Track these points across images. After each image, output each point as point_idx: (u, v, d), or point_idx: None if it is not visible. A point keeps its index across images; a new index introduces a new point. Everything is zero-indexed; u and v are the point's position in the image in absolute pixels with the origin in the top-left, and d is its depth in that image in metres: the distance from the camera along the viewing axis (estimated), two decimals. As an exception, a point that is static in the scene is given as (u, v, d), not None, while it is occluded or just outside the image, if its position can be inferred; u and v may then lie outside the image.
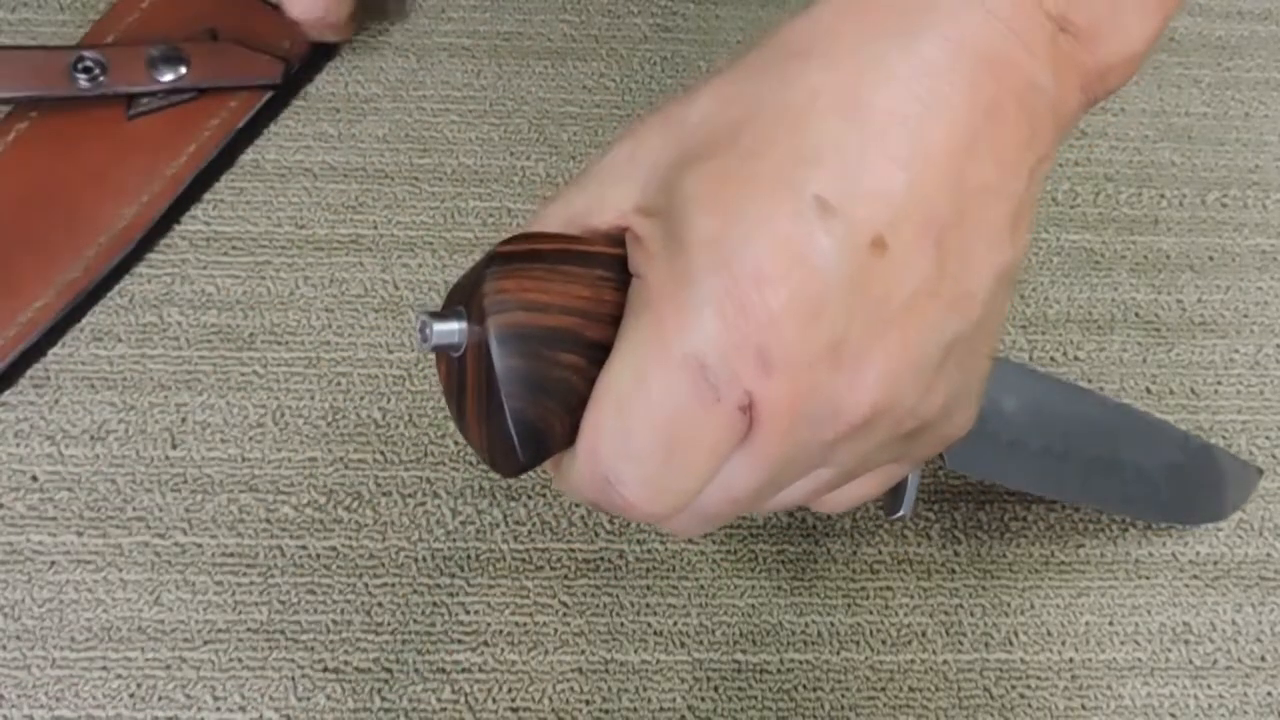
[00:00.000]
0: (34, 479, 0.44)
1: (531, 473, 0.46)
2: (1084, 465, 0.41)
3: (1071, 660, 0.45)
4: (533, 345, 0.25)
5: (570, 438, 0.26)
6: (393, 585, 0.44)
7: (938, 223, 0.25)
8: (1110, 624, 0.46)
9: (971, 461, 0.38)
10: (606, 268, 0.26)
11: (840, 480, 0.29)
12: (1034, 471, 0.40)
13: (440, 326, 0.25)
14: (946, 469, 0.38)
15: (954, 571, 0.46)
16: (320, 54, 0.52)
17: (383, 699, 0.42)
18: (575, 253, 0.26)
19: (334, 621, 0.43)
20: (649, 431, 0.25)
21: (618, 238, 0.27)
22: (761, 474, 0.26)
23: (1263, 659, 0.46)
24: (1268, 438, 0.49)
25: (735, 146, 0.25)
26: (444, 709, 0.42)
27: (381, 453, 0.46)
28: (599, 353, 0.26)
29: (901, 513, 0.35)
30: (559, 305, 0.25)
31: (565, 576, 0.45)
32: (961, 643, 0.45)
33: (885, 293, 0.25)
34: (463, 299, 0.26)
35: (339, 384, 0.47)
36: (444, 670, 0.43)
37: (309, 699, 0.42)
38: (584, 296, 0.26)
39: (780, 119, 0.25)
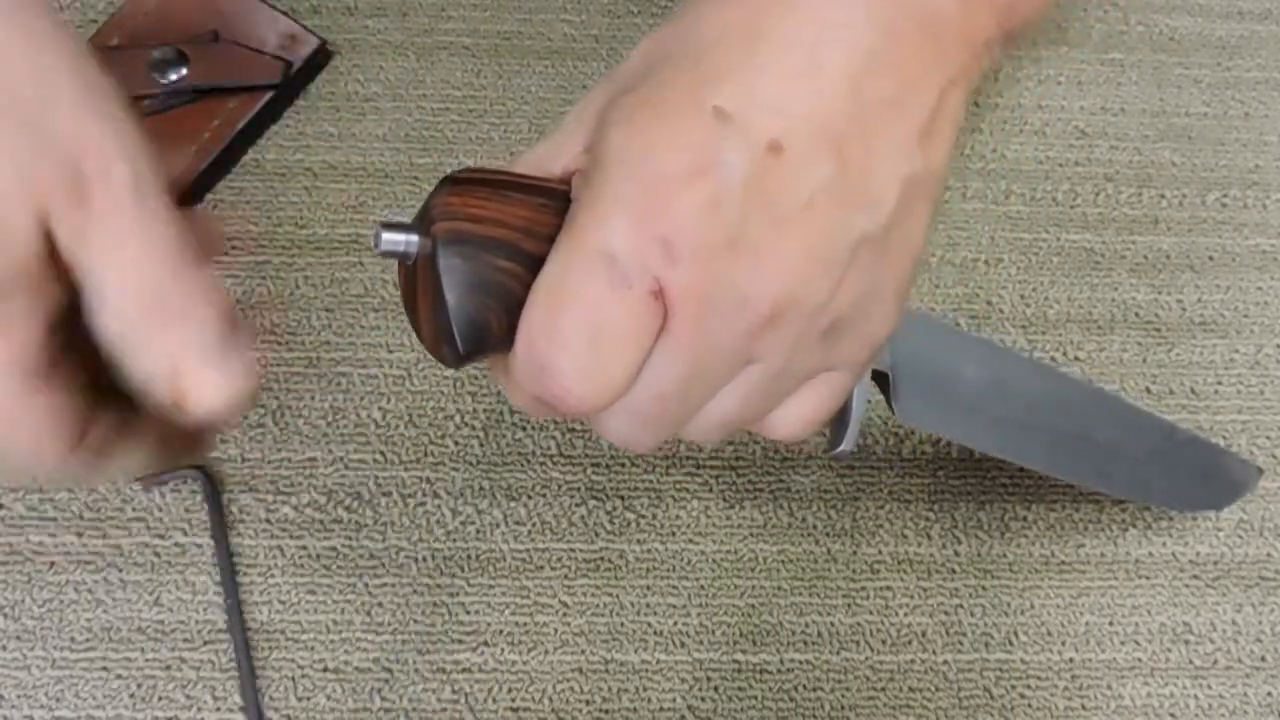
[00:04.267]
0: (34, 479, 0.44)
1: (532, 473, 0.46)
2: (1051, 437, 0.42)
3: (1071, 660, 0.45)
4: (473, 249, 0.28)
5: (509, 339, 0.29)
6: (393, 585, 0.44)
7: (836, 131, 0.28)
8: (1110, 624, 0.46)
9: (921, 415, 0.39)
10: (548, 196, 0.29)
11: (773, 385, 0.30)
12: (992, 435, 0.40)
13: (388, 235, 0.28)
14: (896, 419, 0.39)
15: (954, 571, 0.46)
16: (320, 54, 0.52)
17: (383, 699, 0.42)
18: (518, 183, 0.29)
19: (334, 621, 0.43)
20: (574, 320, 0.27)
21: (568, 179, 0.30)
22: (682, 364, 0.28)
23: (1263, 659, 0.46)
24: (1268, 438, 0.49)
25: (651, 77, 0.28)
26: (444, 709, 0.42)
27: (381, 453, 0.46)
28: (536, 263, 0.28)
29: (842, 448, 0.36)
30: (500, 220, 0.29)
31: (565, 576, 0.45)
32: (961, 643, 0.45)
33: (783, 192, 0.27)
34: (418, 218, 0.29)
35: (339, 384, 0.47)
36: (444, 670, 0.43)
37: (309, 699, 0.42)
38: (524, 216, 0.29)
39: (690, 51, 0.28)
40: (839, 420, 0.36)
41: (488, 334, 0.29)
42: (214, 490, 0.44)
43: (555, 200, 0.29)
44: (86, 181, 0.27)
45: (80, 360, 0.29)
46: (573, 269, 0.27)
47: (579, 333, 0.27)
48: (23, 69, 0.27)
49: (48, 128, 0.27)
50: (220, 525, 0.44)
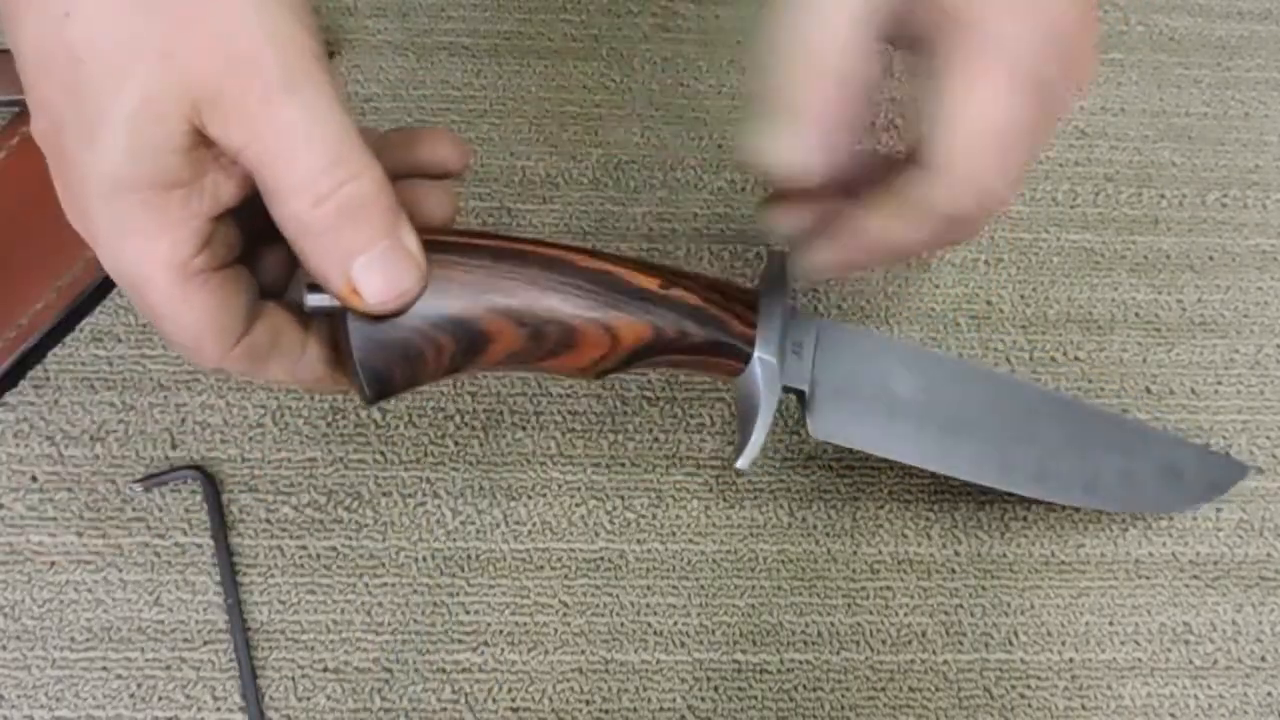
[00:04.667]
0: (34, 479, 0.44)
1: (532, 473, 0.46)
2: (979, 443, 0.42)
3: (1071, 660, 0.45)
4: (379, 316, 0.32)
5: (407, 384, 0.34)
6: (393, 585, 0.44)
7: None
8: (1110, 624, 0.46)
9: (835, 430, 0.40)
10: (457, 253, 0.33)
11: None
12: (911, 445, 0.41)
13: (312, 296, 0.32)
14: (812, 439, 0.41)
15: (954, 571, 0.46)
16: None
17: (383, 699, 0.42)
18: (427, 241, 0.33)
19: (334, 621, 0.43)
20: (1006, 144, 0.32)
21: (458, 232, 0.35)
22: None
23: (1263, 659, 0.46)
24: (1268, 438, 0.49)
25: None
26: (444, 709, 0.42)
27: (381, 453, 0.46)
28: (439, 319, 0.33)
29: (739, 464, 0.38)
30: None
31: (565, 576, 0.45)
32: (961, 643, 0.45)
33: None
34: None
35: (339, 384, 0.47)
36: (444, 670, 0.43)
37: (309, 699, 0.42)
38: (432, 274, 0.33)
39: None
40: (743, 435, 0.38)
41: (391, 384, 0.34)
42: (214, 490, 0.44)
43: (461, 255, 0.34)
44: (234, 75, 0.27)
45: (254, 256, 0.33)
46: (999, 96, 0.32)
47: (1008, 150, 0.32)
48: None
49: (195, 21, 0.27)
50: (220, 525, 0.44)
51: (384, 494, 0.45)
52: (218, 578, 0.43)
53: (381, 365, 0.33)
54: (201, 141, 0.28)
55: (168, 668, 0.42)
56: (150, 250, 0.29)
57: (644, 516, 0.46)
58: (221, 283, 0.31)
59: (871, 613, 0.45)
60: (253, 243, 0.33)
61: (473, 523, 0.45)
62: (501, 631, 0.44)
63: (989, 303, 0.51)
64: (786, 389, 0.39)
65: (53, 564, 0.43)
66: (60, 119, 0.28)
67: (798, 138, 0.33)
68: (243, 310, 0.31)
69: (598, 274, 0.36)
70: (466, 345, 0.34)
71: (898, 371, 0.41)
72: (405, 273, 0.31)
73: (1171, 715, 0.45)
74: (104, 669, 0.42)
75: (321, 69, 0.28)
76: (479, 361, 0.35)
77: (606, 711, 0.43)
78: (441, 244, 0.33)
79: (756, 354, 0.38)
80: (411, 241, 0.31)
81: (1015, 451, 0.42)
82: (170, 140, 0.28)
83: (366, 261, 0.30)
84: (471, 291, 0.34)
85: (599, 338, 0.36)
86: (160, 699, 0.42)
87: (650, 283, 0.37)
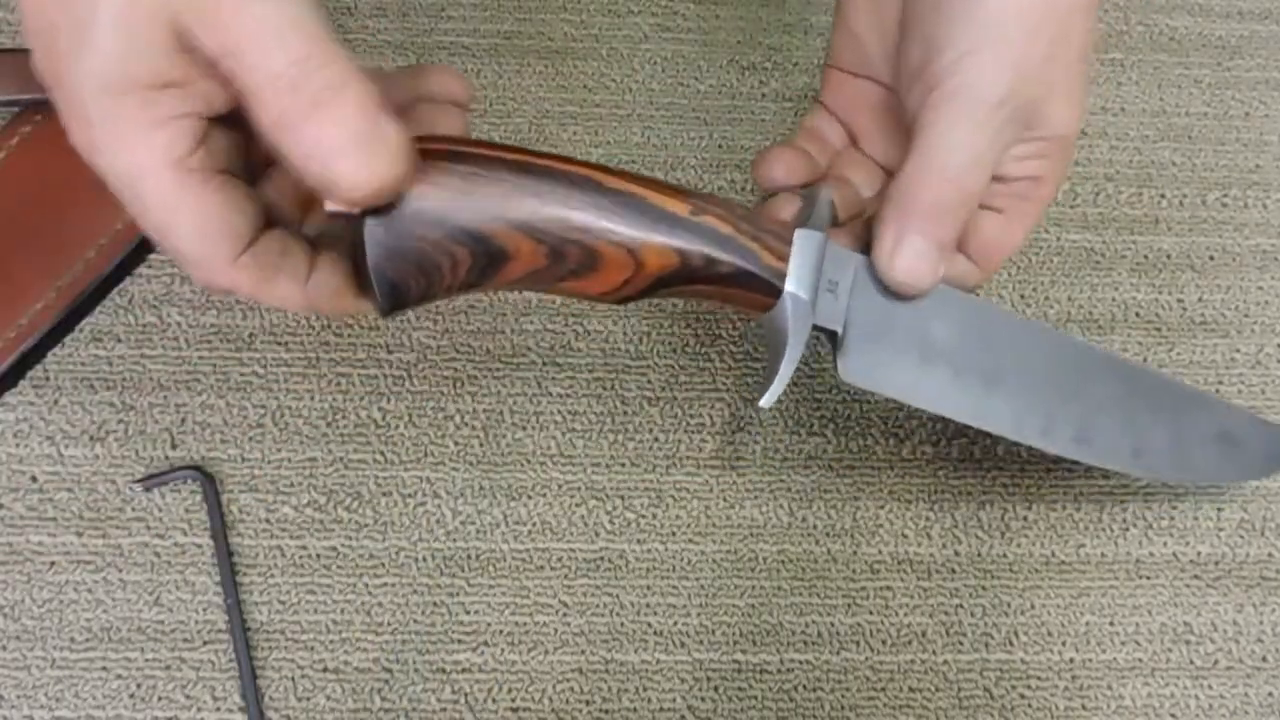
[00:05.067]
0: (34, 479, 0.44)
1: (532, 473, 0.45)
2: (1021, 395, 0.40)
3: (1071, 660, 0.45)
4: (394, 223, 0.32)
5: (421, 297, 0.33)
6: (393, 585, 0.44)
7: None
8: (1110, 624, 0.46)
9: (866, 373, 0.38)
10: (476, 165, 0.33)
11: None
12: (947, 393, 0.39)
13: (331, 202, 0.31)
14: (839, 380, 0.38)
15: (954, 571, 0.46)
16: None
17: (383, 699, 0.42)
18: (446, 151, 0.33)
19: (334, 621, 0.43)
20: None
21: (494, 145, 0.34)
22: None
23: (1264, 659, 0.46)
24: (1268, 437, 0.49)
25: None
26: (444, 709, 0.42)
27: (381, 453, 0.46)
28: (456, 230, 0.32)
29: (763, 401, 0.37)
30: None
31: (565, 576, 0.45)
32: (961, 643, 0.45)
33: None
34: None
35: (339, 384, 0.47)
36: (444, 670, 0.43)
37: (309, 699, 0.42)
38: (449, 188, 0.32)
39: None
40: (768, 373, 0.37)
41: (405, 296, 0.33)
42: (214, 490, 0.44)
43: (482, 166, 0.33)
44: None
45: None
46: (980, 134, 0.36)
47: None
48: None
49: None
50: (220, 525, 0.44)
51: (384, 494, 0.45)
52: (218, 578, 0.43)
53: (396, 275, 0.32)
54: (186, 46, 0.29)
55: (168, 668, 0.42)
56: (147, 145, 0.30)
57: (644, 516, 0.46)
58: (224, 183, 0.31)
59: (871, 613, 0.45)
60: (253, 171, 0.33)
61: (473, 523, 0.45)
62: (501, 631, 0.44)
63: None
64: (817, 328, 0.37)
65: (53, 564, 0.43)
66: (55, 33, 0.29)
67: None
68: (249, 214, 0.32)
69: (624, 195, 0.35)
70: (484, 260, 0.33)
71: (938, 316, 0.39)
72: (383, 161, 0.30)
73: (1172, 715, 0.45)
74: (104, 669, 0.42)
75: None
76: (497, 279, 0.34)
77: (606, 711, 0.43)
78: (462, 154, 0.33)
79: (787, 289, 0.36)
80: (391, 131, 0.30)
81: (1059, 409, 0.40)
82: (155, 42, 0.29)
83: (340, 150, 0.30)
84: (491, 204, 0.33)
85: (622, 261, 0.35)
86: (160, 699, 0.42)
87: (679, 207, 0.35)
